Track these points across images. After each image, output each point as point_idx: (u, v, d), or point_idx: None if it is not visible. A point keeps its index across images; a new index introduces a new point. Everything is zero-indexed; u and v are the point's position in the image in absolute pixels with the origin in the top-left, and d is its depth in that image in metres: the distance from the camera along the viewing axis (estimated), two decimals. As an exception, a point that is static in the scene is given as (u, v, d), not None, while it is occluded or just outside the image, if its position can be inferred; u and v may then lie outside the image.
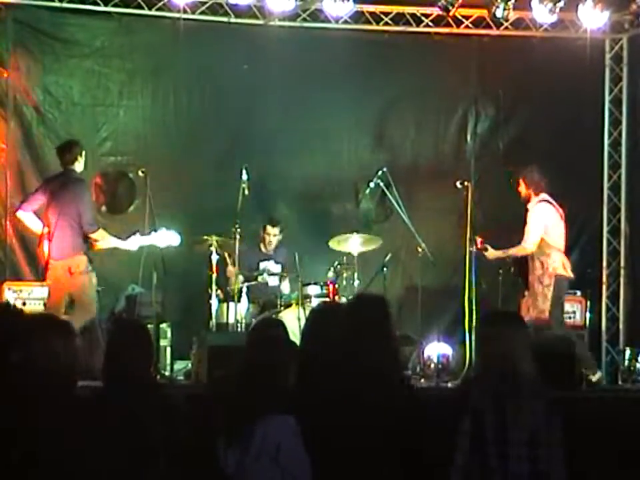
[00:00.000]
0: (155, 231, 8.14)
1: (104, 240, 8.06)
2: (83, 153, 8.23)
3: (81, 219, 7.94)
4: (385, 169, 9.33)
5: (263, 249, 9.77)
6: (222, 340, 7.68)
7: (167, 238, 8.11)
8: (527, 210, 8.64)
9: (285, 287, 9.36)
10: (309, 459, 4.06)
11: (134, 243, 8.09)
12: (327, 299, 8.96)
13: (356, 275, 9.13)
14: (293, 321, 8.38)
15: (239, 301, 8.91)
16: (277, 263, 9.70)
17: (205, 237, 8.83)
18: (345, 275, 9.25)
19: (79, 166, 8.19)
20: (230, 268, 9.11)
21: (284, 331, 4.68)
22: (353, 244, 9.20)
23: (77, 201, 7.97)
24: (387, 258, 9.30)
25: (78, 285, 7.98)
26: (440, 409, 4.36)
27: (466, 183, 8.87)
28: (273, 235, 9.70)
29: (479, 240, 8.70)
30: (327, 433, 4.15)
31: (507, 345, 4.21)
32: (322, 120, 10.04)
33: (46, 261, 8.02)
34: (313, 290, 9.09)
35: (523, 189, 8.70)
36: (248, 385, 4.17)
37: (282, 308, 9.05)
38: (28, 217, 8.19)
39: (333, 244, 9.25)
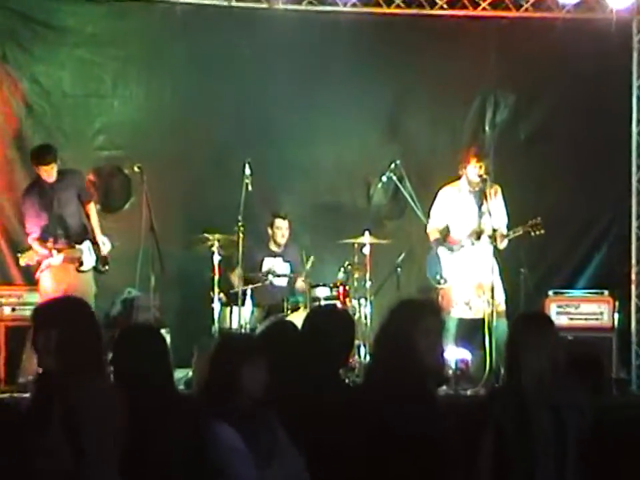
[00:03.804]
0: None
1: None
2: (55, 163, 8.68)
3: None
4: (397, 162, 9.44)
5: (273, 247, 9.78)
6: (225, 346, 7.66)
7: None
8: (484, 194, 8.91)
9: (300, 285, 9.52)
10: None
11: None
12: (336, 302, 9.02)
13: (367, 275, 9.17)
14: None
15: (242, 304, 8.96)
16: (285, 261, 9.75)
17: (206, 236, 8.94)
18: (355, 275, 9.27)
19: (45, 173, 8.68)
20: (237, 271, 9.05)
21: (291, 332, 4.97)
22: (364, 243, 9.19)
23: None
24: (401, 257, 9.33)
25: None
26: (459, 419, 4.40)
27: (484, 176, 9.01)
28: (286, 228, 9.71)
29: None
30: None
31: (537, 351, 4.37)
32: (330, 109, 10.10)
33: None
34: (321, 292, 9.18)
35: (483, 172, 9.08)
36: None
37: (289, 312, 9.06)
38: None
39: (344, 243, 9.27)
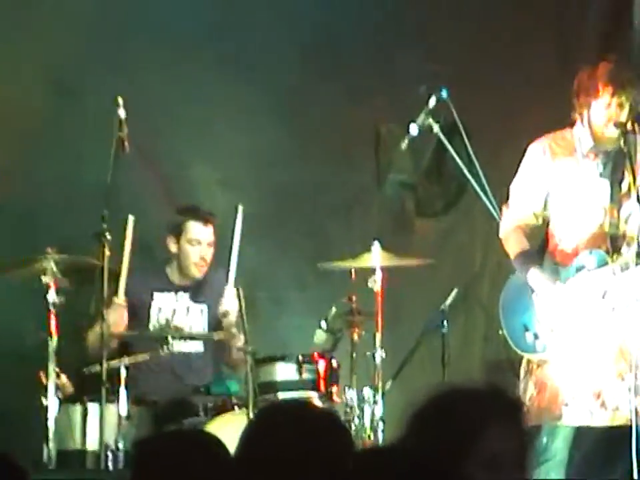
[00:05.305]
0: None
1: None
2: None
3: None
4: (444, 94, 8.14)
5: (176, 277, 8.89)
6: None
7: None
8: (628, 160, 8.06)
9: (234, 357, 8.82)
10: None
11: None
12: (311, 395, 8.18)
13: (378, 336, 8.06)
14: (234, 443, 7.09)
15: (109, 399, 7.96)
16: (196, 301, 8.89)
17: (34, 256, 8.14)
18: (354, 336, 8.23)
19: None
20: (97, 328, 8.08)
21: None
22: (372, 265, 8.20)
23: None
24: (451, 298, 8.33)
25: None
26: None
27: (629, 124, 7.66)
28: (208, 243, 8.72)
29: None
30: None
31: None
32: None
33: None
34: (281, 372, 8.35)
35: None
36: None
37: (207, 417, 8.07)
38: None
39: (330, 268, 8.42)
